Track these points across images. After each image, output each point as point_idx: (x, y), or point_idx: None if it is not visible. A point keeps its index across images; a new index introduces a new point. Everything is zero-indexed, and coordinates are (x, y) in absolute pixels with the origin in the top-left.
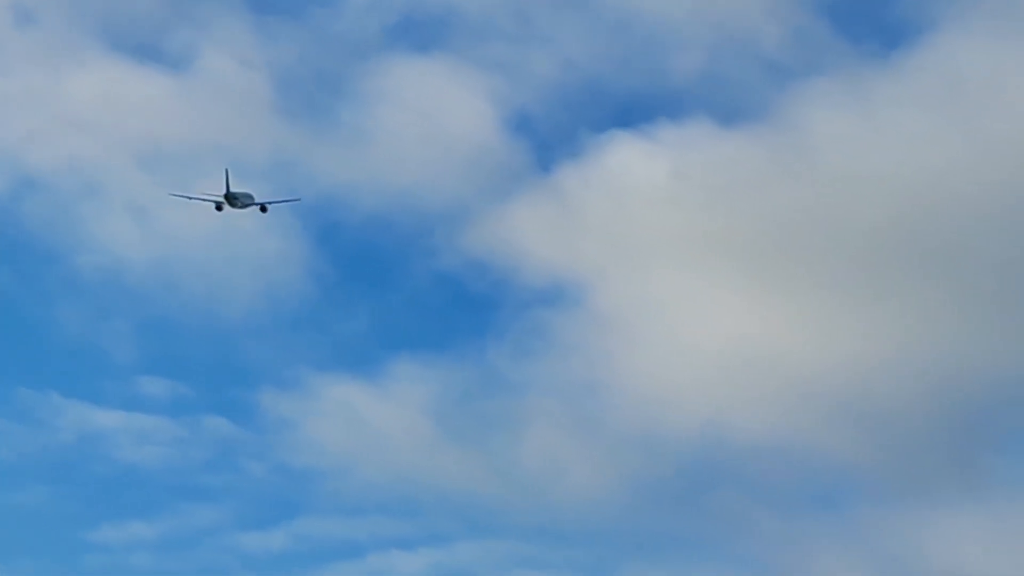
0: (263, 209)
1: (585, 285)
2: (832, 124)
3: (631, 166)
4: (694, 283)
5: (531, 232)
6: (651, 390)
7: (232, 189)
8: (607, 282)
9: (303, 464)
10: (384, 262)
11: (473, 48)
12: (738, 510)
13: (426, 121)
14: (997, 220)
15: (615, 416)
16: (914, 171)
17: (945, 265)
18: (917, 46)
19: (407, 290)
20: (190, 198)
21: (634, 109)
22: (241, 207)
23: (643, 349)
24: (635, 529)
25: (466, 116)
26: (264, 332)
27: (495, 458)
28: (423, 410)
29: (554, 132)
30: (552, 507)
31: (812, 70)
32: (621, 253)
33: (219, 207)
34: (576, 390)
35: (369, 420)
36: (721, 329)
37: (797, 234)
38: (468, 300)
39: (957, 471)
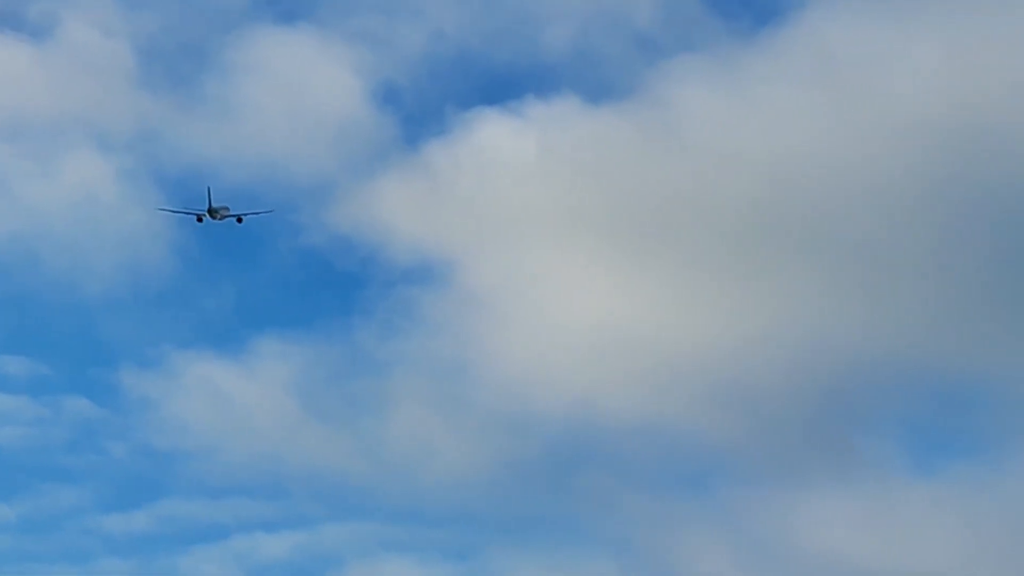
0: (239, 220)
1: (453, 263)
2: (702, 101)
3: (499, 143)
4: (563, 261)
5: (398, 209)
6: (520, 369)
7: (213, 205)
8: (475, 260)
9: (166, 444)
10: (249, 238)
11: (340, 19)
12: (606, 491)
13: (292, 93)
14: (866, 199)
15: (483, 396)
16: (784, 149)
17: (816, 244)
18: (788, 24)
19: (272, 266)
20: (175, 211)
21: (502, 85)
22: (220, 219)
23: (512, 328)
24: (503, 511)
25: (332, 89)
26: (126, 308)
27: (362, 438)
28: (288, 389)
29: (422, 107)
30: (419, 488)
31: (683, 47)
32: (490, 231)
33: (200, 219)
34: (444, 369)
35: (233, 399)
36: (590, 308)
37: (667, 212)
38: (334, 277)
39: (826, 452)
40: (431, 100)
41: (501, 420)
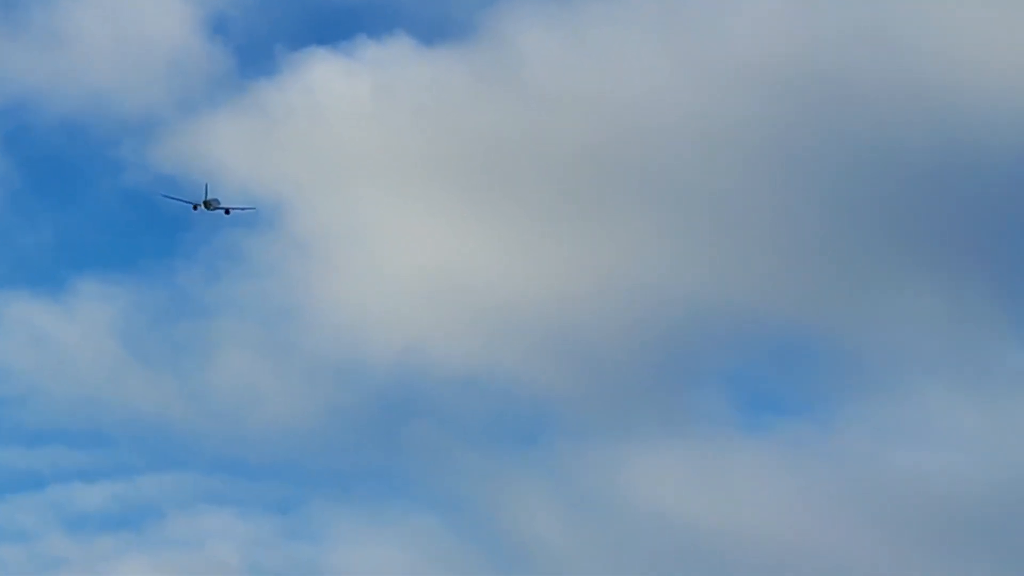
0: (226, 212)
1: (282, 206)
2: (541, 43)
3: (331, 84)
4: (396, 206)
5: (227, 149)
6: (349, 316)
7: (208, 197)
8: (305, 203)
9: None
10: (73, 173)
11: None
12: (434, 443)
13: (120, 21)
14: (707, 145)
15: (311, 342)
16: (624, 94)
17: (653, 192)
18: None
19: (95, 204)
20: (175, 199)
21: (334, 24)
22: (211, 210)
23: (341, 273)
24: (327, 462)
25: (162, 18)
26: None
27: (185, 384)
28: (110, 332)
29: (253, 45)
30: (243, 437)
31: None
32: (321, 174)
33: (196, 207)
34: (271, 314)
35: (52, 341)
36: (423, 254)
37: (502, 157)
38: (159, 217)
39: (659, 406)
40: (262, 37)
41: (329, 367)
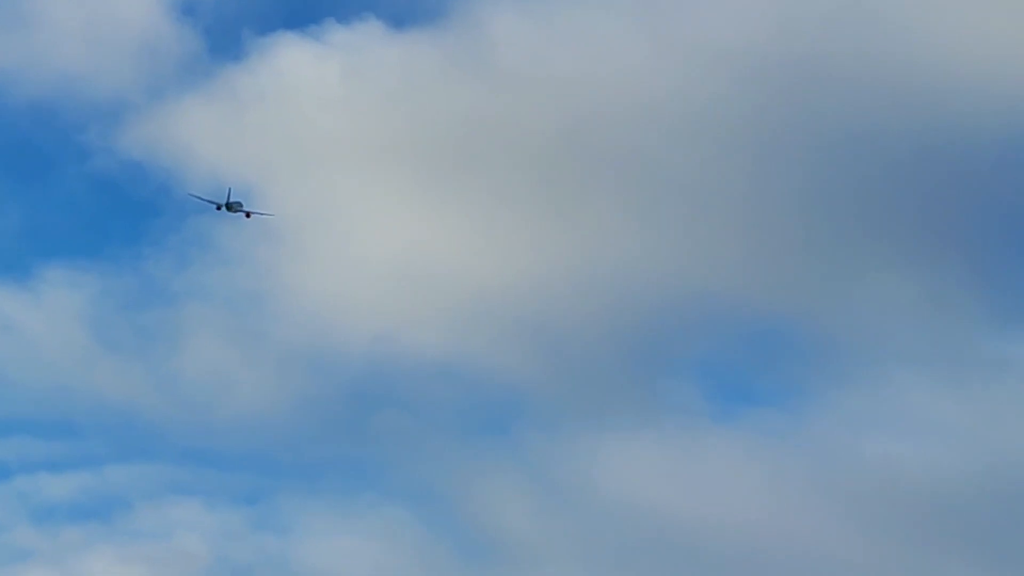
0: (247, 215)
1: (252, 192)
2: (512, 27)
3: (300, 69)
4: (367, 191)
5: (196, 135)
6: (320, 303)
7: (231, 200)
8: (275, 189)
9: None
10: (40, 158)
11: None
12: (405, 433)
13: (89, 5)
14: (679, 130)
15: (281, 330)
16: (596, 78)
17: (626, 177)
18: None
19: (62, 191)
20: (201, 199)
21: (302, 9)
22: (233, 212)
23: (312, 260)
24: (297, 452)
25: (131, 2)
26: None
27: (154, 373)
28: (78, 320)
29: (222, 28)
30: (212, 427)
31: None
32: (291, 159)
33: (219, 208)
34: (241, 302)
35: (18, 329)
36: (394, 240)
37: (473, 141)
38: (127, 204)
39: (631, 395)
40: (230, 22)
41: (299, 356)
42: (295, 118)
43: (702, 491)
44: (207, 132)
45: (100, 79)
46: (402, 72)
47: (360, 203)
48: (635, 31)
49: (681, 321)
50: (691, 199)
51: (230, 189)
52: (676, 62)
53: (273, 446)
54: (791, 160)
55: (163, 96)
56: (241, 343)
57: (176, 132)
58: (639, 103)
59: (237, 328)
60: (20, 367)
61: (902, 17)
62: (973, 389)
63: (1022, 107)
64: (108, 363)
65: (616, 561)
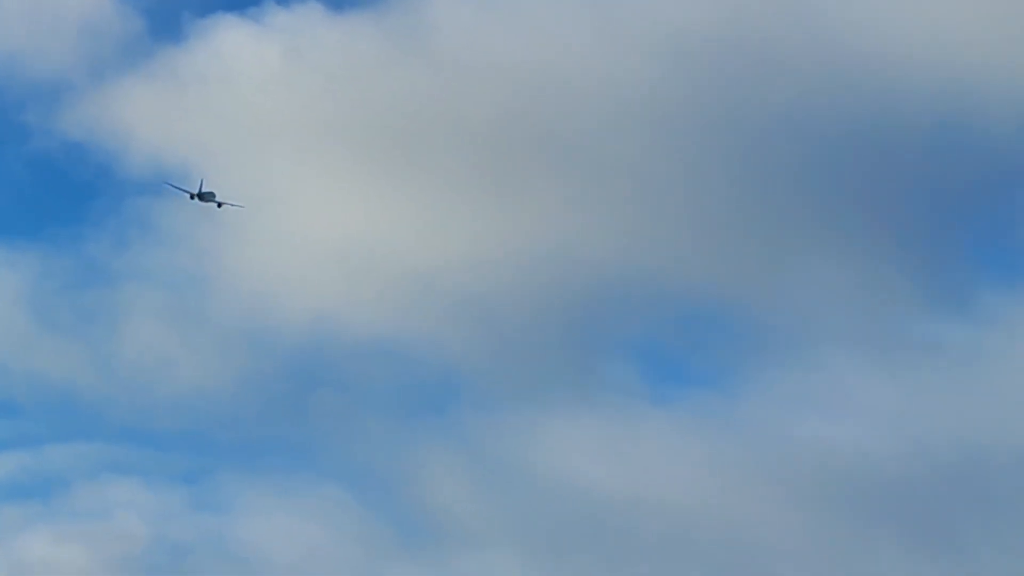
0: (219, 206)
1: (193, 174)
2: (451, 10)
3: (241, 51)
4: (305, 173)
5: (136, 116)
6: (259, 284)
7: (203, 190)
8: (215, 171)
9: None
10: None
11: None
12: (343, 413)
13: None
14: (619, 114)
15: (221, 311)
16: (536, 61)
17: (567, 160)
18: None
19: (2, 171)
20: (176, 188)
21: None
22: (204, 201)
23: (251, 241)
24: (235, 432)
25: None
26: None
27: (93, 352)
28: (16, 299)
29: (162, 10)
30: (151, 406)
31: None
32: (231, 141)
33: (192, 196)
34: (181, 283)
35: None
36: (333, 222)
37: (413, 124)
38: (66, 185)
39: (568, 375)
40: (170, 4)
41: (238, 336)
42: (235, 100)
43: (639, 471)
44: (147, 113)
45: (40, 59)
46: (342, 54)
47: (300, 184)
48: (574, 16)
49: (618, 303)
50: (629, 183)
51: (202, 180)
52: (614, 47)
53: (212, 426)
54: (727, 144)
55: (103, 77)
56: (180, 323)
57: (116, 113)
58: (577, 87)
59: (176, 308)
60: None
61: (841, 2)
62: (904, 371)
63: (954, 91)
64: (47, 343)
65: (553, 540)
